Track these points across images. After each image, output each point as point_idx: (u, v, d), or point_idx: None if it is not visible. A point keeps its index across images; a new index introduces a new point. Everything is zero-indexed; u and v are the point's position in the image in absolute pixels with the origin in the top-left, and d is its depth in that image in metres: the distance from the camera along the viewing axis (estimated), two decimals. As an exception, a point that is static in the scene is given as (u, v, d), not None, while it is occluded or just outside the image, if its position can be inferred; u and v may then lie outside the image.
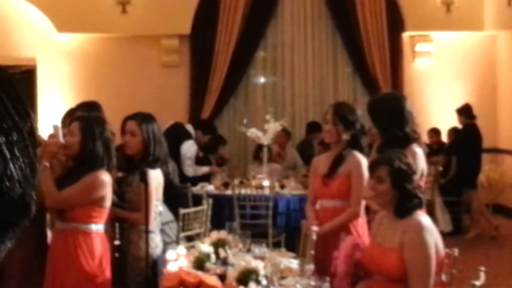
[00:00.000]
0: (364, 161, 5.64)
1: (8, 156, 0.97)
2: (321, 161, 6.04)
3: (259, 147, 10.98)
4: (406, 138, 5.53)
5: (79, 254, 5.20)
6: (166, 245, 6.69)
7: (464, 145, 12.55)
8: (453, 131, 13.27)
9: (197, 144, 11.08)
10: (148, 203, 5.42)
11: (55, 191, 5.21)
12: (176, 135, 10.54)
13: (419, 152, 5.52)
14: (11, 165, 0.97)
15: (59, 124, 6.17)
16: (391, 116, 5.58)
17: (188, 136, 11.04)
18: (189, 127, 11.50)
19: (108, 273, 5.36)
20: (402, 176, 4.60)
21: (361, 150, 5.86)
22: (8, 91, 1.05)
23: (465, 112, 12.65)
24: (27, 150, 1.01)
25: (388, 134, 5.59)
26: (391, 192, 4.62)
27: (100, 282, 5.26)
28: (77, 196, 5.23)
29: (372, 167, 4.78)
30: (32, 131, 1.04)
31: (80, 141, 5.21)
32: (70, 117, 5.89)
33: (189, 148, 10.79)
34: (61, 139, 5.44)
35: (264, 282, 4.45)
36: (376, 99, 6.20)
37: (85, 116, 5.60)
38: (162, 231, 7.04)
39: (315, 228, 5.69)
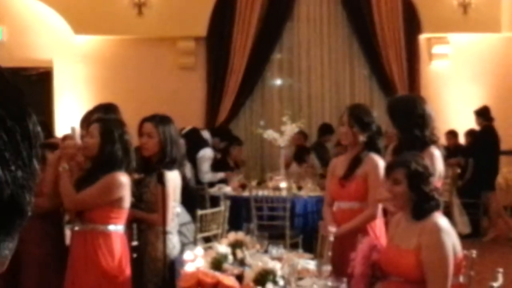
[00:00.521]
0: (381, 163, 5.64)
1: None
2: (338, 163, 6.04)
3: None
4: (424, 140, 5.52)
5: (99, 255, 5.21)
6: (183, 246, 6.72)
7: (482, 147, 12.53)
8: (470, 133, 13.25)
9: (214, 151, 11.15)
10: (165, 204, 5.44)
11: (73, 193, 5.24)
12: (193, 141, 10.56)
13: (437, 154, 5.51)
14: None
15: (77, 126, 6.22)
16: (412, 118, 5.56)
17: (204, 142, 11.08)
18: (206, 134, 11.53)
19: (128, 273, 5.37)
20: (419, 178, 4.60)
21: (378, 152, 5.86)
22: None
23: (483, 114, 12.62)
24: (19, 153, 1.01)
25: (407, 135, 5.58)
26: (408, 194, 4.62)
27: (120, 282, 5.28)
28: (95, 197, 5.25)
29: (389, 169, 4.78)
30: (28, 134, 1.04)
31: (99, 143, 5.23)
32: (88, 119, 5.92)
33: (205, 155, 10.83)
34: (78, 140, 5.47)
35: (281, 283, 4.46)
36: (397, 100, 6.17)
37: (105, 118, 5.62)
38: (180, 232, 7.06)
39: (332, 229, 5.70)
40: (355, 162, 5.83)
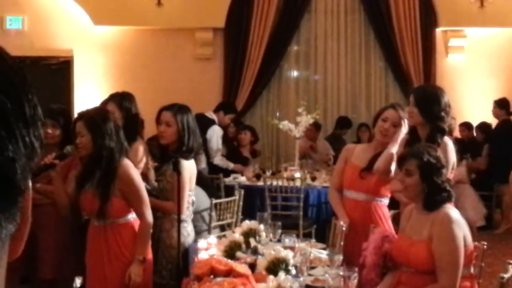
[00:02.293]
0: None
1: None
2: (357, 152, 6.05)
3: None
4: (445, 131, 5.52)
5: (120, 245, 5.25)
6: (201, 232, 6.82)
7: (500, 139, 12.53)
8: (481, 127, 13.24)
9: (220, 125, 11.20)
10: (180, 192, 5.49)
11: (141, 229, 5.28)
12: (200, 125, 10.62)
13: (451, 145, 5.53)
14: None
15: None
16: (440, 108, 5.56)
17: (211, 122, 11.11)
18: (210, 114, 11.51)
19: (150, 256, 5.41)
20: (431, 170, 4.64)
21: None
22: None
23: (503, 105, 12.58)
24: (12, 131, 1.07)
25: (434, 125, 5.56)
26: (420, 185, 4.66)
27: (144, 267, 5.27)
28: (142, 194, 5.29)
29: (401, 161, 4.81)
30: (23, 114, 1.11)
31: (91, 139, 5.22)
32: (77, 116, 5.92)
33: (214, 133, 10.88)
34: None
35: (293, 271, 4.52)
36: (425, 90, 6.07)
37: (85, 114, 5.50)
38: (200, 217, 7.17)
39: (345, 225, 5.73)
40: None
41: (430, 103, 5.59)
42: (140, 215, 5.23)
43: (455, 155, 5.61)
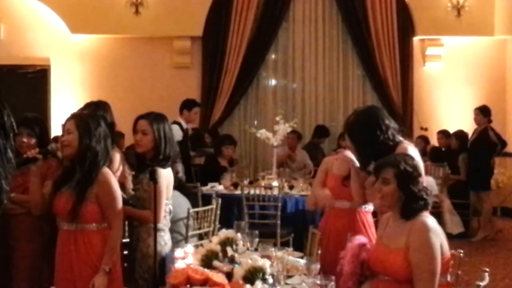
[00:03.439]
0: None
1: None
2: (336, 162, 6.08)
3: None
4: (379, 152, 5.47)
5: (90, 252, 5.20)
6: (182, 240, 6.80)
7: (478, 147, 12.50)
8: (456, 135, 13.27)
9: (190, 122, 11.20)
10: (157, 201, 5.47)
11: (111, 237, 5.23)
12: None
13: (411, 148, 5.50)
14: None
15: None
16: (361, 138, 5.58)
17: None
18: (178, 119, 11.36)
19: (119, 268, 5.38)
20: (408, 178, 4.64)
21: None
22: None
23: (487, 112, 12.57)
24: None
25: (362, 155, 5.61)
26: (397, 194, 4.65)
27: (112, 278, 5.23)
28: (118, 206, 5.28)
29: (378, 169, 4.80)
30: (2, 125, 1.11)
31: (78, 138, 5.20)
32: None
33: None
34: None
35: (270, 280, 4.50)
36: (348, 125, 6.06)
37: (79, 114, 5.58)
38: (183, 225, 7.16)
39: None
40: None
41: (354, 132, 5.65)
42: (111, 225, 5.21)
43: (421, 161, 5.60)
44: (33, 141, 5.89)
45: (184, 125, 11.21)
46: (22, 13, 14.03)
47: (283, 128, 10.31)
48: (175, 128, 10.73)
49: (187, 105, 11.53)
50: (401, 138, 5.58)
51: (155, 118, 5.88)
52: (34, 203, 5.57)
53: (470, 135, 13.09)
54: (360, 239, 5.14)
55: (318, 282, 4.39)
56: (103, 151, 5.26)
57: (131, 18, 13.92)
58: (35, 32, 14.05)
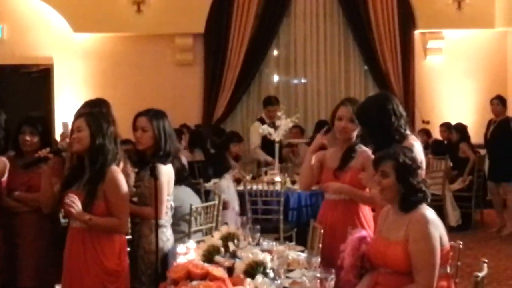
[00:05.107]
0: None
1: None
2: (328, 156, 6.07)
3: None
4: (393, 141, 5.50)
5: (97, 249, 5.22)
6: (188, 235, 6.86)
7: (501, 138, 12.34)
8: (456, 127, 13.25)
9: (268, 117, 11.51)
10: (158, 197, 5.49)
11: (117, 222, 5.24)
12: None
13: (417, 145, 5.53)
14: None
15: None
16: (374, 123, 5.58)
17: None
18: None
19: (126, 264, 5.40)
20: (406, 171, 4.66)
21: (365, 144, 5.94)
22: None
23: (504, 102, 12.49)
24: None
25: (375, 140, 5.61)
26: (396, 187, 4.67)
27: (120, 275, 5.30)
28: (127, 205, 5.35)
29: (377, 162, 4.82)
30: None
31: (90, 135, 5.21)
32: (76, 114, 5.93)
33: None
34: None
35: (271, 274, 4.53)
36: (359, 108, 6.06)
37: (89, 112, 5.59)
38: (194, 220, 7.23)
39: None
40: (349, 154, 5.89)
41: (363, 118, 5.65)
42: (119, 219, 5.24)
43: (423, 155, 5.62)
44: (36, 139, 5.95)
45: (267, 120, 11.46)
46: (24, 12, 14.08)
47: (285, 123, 10.33)
48: (256, 124, 10.92)
49: (263, 102, 12.03)
50: (408, 132, 5.61)
51: (155, 114, 5.91)
52: (44, 201, 5.60)
53: (471, 127, 13.11)
54: (360, 232, 5.17)
55: (318, 275, 4.42)
56: (114, 149, 5.30)
57: (133, 16, 13.96)
58: (37, 31, 14.10)
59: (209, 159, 11.27)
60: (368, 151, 5.81)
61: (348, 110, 5.86)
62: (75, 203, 5.07)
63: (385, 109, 5.50)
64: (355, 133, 5.90)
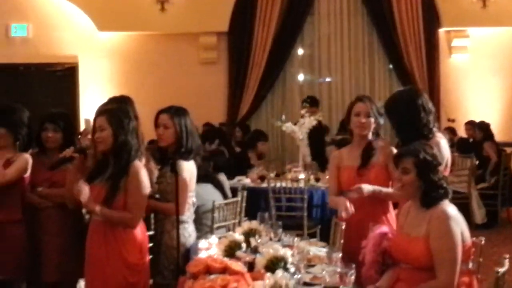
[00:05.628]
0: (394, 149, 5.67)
1: None
2: (344, 155, 6.00)
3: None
4: (421, 136, 5.47)
5: (119, 243, 5.27)
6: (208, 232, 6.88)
7: None
8: (479, 125, 13.22)
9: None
10: (180, 193, 5.51)
11: (129, 215, 5.27)
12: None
13: (443, 142, 5.52)
14: None
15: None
16: (403, 117, 5.57)
17: None
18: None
19: (147, 260, 5.46)
20: (427, 167, 4.66)
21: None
22: None
23: None
24: None
25: (403, 135, 5.59)
26: (417, 183, 4.67)
27: (140, 270, 5.35)
28: (143, 202, 5.34)
29: (397, 159, 4.82)
30: None
31: (112, 134, 5.26)
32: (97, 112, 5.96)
33: None
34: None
35: (292, 269, 4.54)
36: (388, 101, 6.05)
37: (109, 109, 5.62)
38: (206, 219, 7.25)
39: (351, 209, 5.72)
40: (370, 151, 5.84)
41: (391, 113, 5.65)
42: (131, 213, 5.28)
43: (449, 152, 5.62)
44: (58, 135, 5.99)
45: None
46: (49, 12, 14.19)
47: (309, 121, 10.34)
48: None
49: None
50: (435, 128, 5.61)
51: (176, 111, 5.92)
52: (70, 197, 5.63)
53: (496, 124, 13.07)
54: (381, 228, 5.16)
55: (339, 270, 4.43)
56: (136, 144, 5.34)
57: (157, 15, 14.03)
58: (62, 30, 14.20)
59: (234, 157, 11.30)
60: (391, 147, 5.79)
61: (365, 105, 5.83)
62: (83, 191, 5.14)
63: (414, 104, 5.54)
64: (371, 129, 5.87)
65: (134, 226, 5.32)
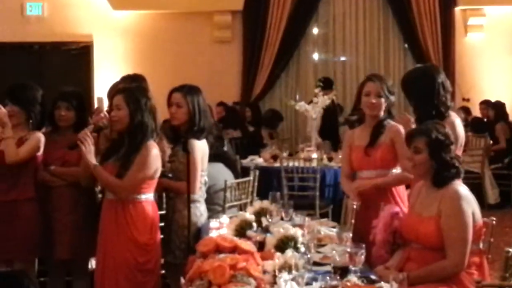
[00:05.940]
0: (402, 129, 5.66)
1: None
2: (356, 134, 6.01)
3: None
4: (439, 114, 5.50)
5: (129, 223, 5.32)
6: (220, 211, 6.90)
7: None
8: (493, 105, 13.18)
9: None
10: (191, 172, 5.53)
11: (118, 182, 5.31)
12: None
13: (458, 122, 5.51)
14: None
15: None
16: (422, 93, 5.56)
17: None
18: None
19: (158, 239, 5.51)
20: (439, 146, 4.64)
21: (393, 118, 5.91)
22: None
23: None
24: None
25: (421, 111, 5.58)
26: (429, 162, 4.66)
27: (150, 249, 5.41)
28: (140, 177, 5.33)
29: (409, 138, 4.81)
30: None
31: (129, 113, 5.31)
32: (114, 90, 5.99)
33: None
34: (104, 110, 5.64)
35: (302, 249, 4.55)
36: (407, 76, 6.04)
37: (127, 88, 5.68)
38: (218, 198, 7.26)
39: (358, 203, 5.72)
40: (378, 130, 5.83)
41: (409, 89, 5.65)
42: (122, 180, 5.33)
43: (463, 131, 5.61)
44: (71, 114, 6.01)
45: None
46: (64, -10, 14.22)
47: (322, 100, 10.33)
48: None
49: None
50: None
51: (189, 90, 5.92)
52: (84, 175, 5.66)
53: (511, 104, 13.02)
54: (392, 208, 5.17)
55: (348, 249, 4.43)
56: (152, 125, 5.39)
57: (172, -7, 14.04)
58: (77, 9, 14.21)
59: (247, 136, 11.32)
60: (398, 125, 5.77)
61: (375, 85, 5.80)
62: (88, 140, 5.22)
63: (434, 81, 5.54)
64: (383, 109, 5.85)
65: (120, 195, 5.34)
